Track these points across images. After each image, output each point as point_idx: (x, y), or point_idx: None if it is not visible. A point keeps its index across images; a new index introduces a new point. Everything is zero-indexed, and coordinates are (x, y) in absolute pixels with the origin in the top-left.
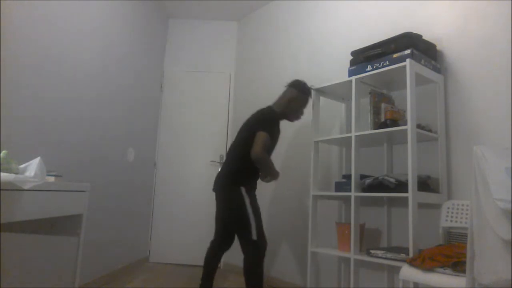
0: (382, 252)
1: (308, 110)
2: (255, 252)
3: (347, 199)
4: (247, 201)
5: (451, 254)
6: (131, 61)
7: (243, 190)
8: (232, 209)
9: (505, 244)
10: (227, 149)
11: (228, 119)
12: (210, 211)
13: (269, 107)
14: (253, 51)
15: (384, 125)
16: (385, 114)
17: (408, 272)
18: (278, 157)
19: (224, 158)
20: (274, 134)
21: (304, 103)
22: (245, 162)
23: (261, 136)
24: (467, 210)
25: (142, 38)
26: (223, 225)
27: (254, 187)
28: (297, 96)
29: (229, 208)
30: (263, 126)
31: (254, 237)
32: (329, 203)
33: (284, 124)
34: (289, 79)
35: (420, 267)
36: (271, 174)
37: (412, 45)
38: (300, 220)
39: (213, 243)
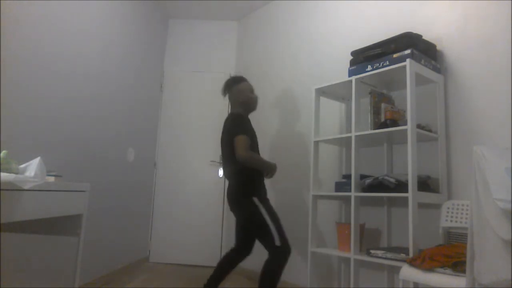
0: (382, 252)
1: (308, 110)
2: (278, 259)
3: (347, 199)
4: (262, 210)
5: (451, 254)
6: (131, 61)
7: (255, 200)
8: (250, 221)
9: (505, 244)
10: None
11: None
12: (210, 211)
13: (229, 114)
14: (253, 51)
15: (384, 125)
16: (385, 114)
17: (408, 272)
18: (278, 157)
19: None
20: (249, 132)
21: (248, 88)
22: (244, 172)
23: (239, 140)
24: (467, 210)
25: (142, 38)
26: (243, 235)
27: (264, 191)
28: (239, 88)
29: (247, 221)
30: (235, 130)
31: (277, 242)
32: (329, 203)
33: (284, 124)
34: (289, 79)
35: (420, 267)
36: (267, 169)
37: (412, 45)
38: (300, 220)
39: (232, 250)
